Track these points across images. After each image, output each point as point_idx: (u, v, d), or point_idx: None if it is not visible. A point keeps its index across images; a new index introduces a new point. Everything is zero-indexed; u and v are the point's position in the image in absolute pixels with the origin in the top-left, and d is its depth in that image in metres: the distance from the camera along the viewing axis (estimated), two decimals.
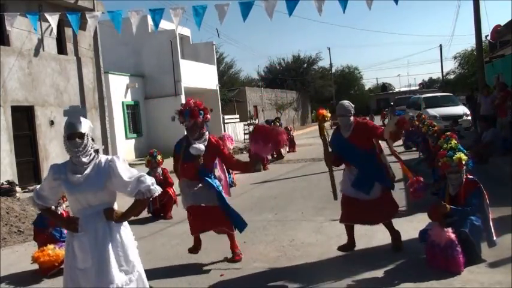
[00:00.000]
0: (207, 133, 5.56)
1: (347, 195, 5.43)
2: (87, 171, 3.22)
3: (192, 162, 5.41)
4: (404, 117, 5.50)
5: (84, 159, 3.22)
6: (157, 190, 3.24)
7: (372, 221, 5.46)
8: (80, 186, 3.18)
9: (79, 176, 3.20)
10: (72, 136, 3.22)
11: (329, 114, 5.72)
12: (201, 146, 5.41)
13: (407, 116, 5.65)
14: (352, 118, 5.38)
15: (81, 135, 3.22)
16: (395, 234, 5.51)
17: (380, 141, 5.45)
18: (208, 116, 5.55)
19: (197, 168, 5.41)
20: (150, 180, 3.21)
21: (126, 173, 3.22)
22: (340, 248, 5.53)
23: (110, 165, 3.21)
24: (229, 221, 5.50)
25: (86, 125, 3.29)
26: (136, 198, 3.22)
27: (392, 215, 5.51)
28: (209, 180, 5.46)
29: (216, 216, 5.43)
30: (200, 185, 5.46)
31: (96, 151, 3.32)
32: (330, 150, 5.54)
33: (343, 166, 5.63)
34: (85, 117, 3.24)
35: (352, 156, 5.35)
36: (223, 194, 5.59)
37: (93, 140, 3.32)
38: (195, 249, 5.78)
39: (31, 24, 9.05)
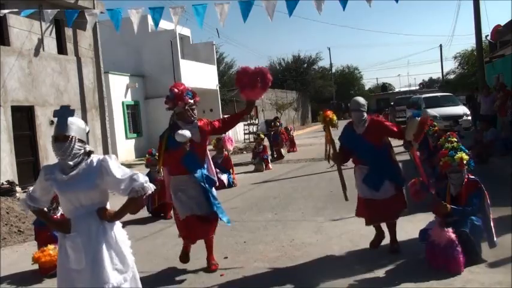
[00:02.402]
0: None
1: (364, 197, 5.39)
2: (76, 171, 3.18)
3: (177, 150, 5.01)
4: (426, 119, 5.35)
5: (70, 162, 3.17)
6: (151, 188, 3.21)
7: (388, 219, 5.42)
8: (71, 186, 3.16)
9: (67, 176, 3.17)
10: (58, 138, 3.18)
11: (336, 118, 5.63)
12: (187, 132, 4.99)
13: (425, 115, 5.34)
14: (365, 114, 5.34)
15: (66, 138, 3.15)
16: (394, 236, 5.46)
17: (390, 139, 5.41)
18: (197, 99, 5.42)
19: (183, 158, 5.04)
20: (143, 178, 3.19)
21: (119, 171, 3.19)
22: (371, 245, 5.50)
23: (102, 164, 3.18)
24: (214, 228, 5.31)
25: (74, 128, 3.20)
26: (129, 197, 3.19)
27: (399, 214, 5.45)
28: (199, 175, 5.10)
29: (210, 225, 5.23)
30: (188, 181, 5.12)
31: (88, 153, 3.25)
32: (337, 147, 5.51)
33: (350, 165, 5.61)
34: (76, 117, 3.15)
35: (364, 153, 5.32)
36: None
37: (83, 141, 3.23)
38: (186, 256, 5.43)
39: (30, 23, 9.00)
